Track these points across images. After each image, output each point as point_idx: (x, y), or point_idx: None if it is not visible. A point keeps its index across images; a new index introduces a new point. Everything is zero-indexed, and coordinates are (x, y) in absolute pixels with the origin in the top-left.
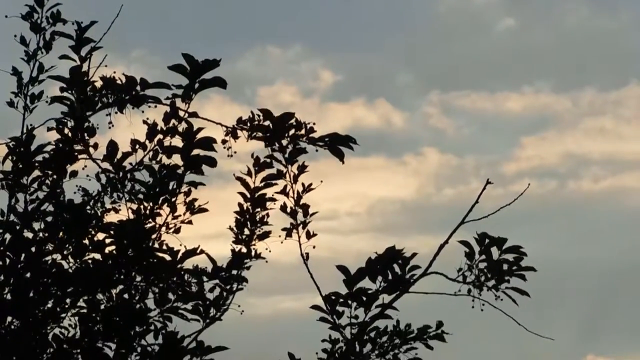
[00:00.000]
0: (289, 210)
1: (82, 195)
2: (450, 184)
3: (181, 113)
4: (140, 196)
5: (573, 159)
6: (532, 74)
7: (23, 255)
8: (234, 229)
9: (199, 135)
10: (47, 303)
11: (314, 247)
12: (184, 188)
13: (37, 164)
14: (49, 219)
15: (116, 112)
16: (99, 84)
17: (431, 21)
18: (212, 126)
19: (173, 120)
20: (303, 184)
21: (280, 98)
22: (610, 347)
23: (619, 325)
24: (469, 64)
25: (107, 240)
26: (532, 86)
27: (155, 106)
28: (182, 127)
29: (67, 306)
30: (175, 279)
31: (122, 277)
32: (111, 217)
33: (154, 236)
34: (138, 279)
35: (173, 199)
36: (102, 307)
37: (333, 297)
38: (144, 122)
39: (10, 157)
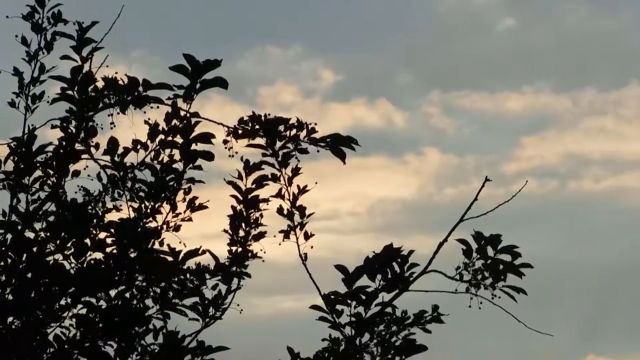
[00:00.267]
0: (285, 212)
1: (83, 195)
2: (451, 184)
3: (182, 113)
4: (142, 194)
5: (573, 159)
6: (533, 73)
7: (24, 255)
8: (229, 231)
9: (197, 130)
10: (48, 303)
11: (311, 247)
12: (184, 185)
13: (38, 164)
14: (51, 219)
15: (118, 113)
16: (100, 84)
17: (431, 21)
18: (213, 126)
19: (175, 121)
20: (298, 186)
21: (281, 98)
22: (611, 347)
23: (619, 326)
24: (470, 64)
25: (108, 240)
26: (532, 86)
27: (157, 106)
28: (182, 125)
29: (68, 306)
30: (176, 279)
31: (123, 277)
32: (112, 216)
33: (154, 235)
34: (139, 278)
35: (173, 197)
36: (103, 307)
37: (332, 297)
38: (146, 122)
39: (11, 158)
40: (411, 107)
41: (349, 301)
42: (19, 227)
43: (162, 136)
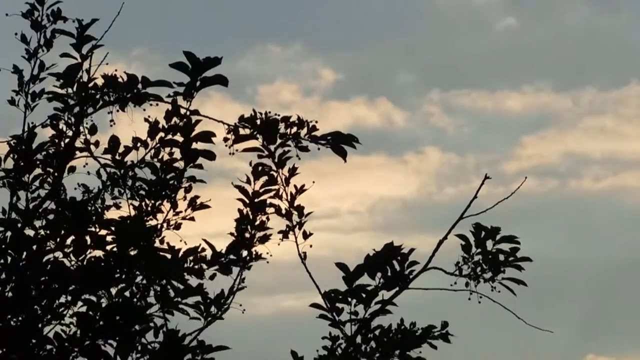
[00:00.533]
0: (283, 212)
1: (82, 192)
2: (451, 183)
3: (183, 111)
4: (142, 192)
5: (573, 158)
6: (533, 73)
7: (24, 253)
8: (234, 232)
9: (198, 129)
10: (48, 301)
11: (310, 246)
12: (185, 183)
13: (38, 162)
14: (51, 216)
15: (118, 110)
16: (100, 81)
17: (432, 20)
18: (213, 124)
19: (175, 118)
20: (295, 186)
21: (280, 96)
22: (611, 346)
23: (620, 324)
24: (470, 63)
25: (109, 238)
26: (532, 85)
27: (157, 104)
28: (183, 123)
29: (68, 304)
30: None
31: (123, 274)
32: (112, 214)
33: (155, 233)
34: (139, 277)
35: (173, 195)
36: (103, 304)
37: (332, 294)
38: (146, 120)
39: (11, 155)
40: (411, 106)
41: (349, 299)
42: (19, 225)
43: (162, 134)
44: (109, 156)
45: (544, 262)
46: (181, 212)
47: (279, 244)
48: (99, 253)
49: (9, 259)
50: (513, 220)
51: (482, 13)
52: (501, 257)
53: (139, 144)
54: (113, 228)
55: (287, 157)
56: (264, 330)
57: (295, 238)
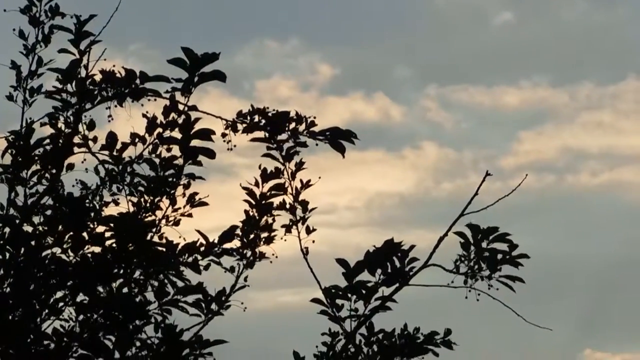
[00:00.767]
0: (288, 206)
1: (80, 189)
2: (448, 178)
3: (180, 107)
4: (141, 189)
5: (571, 153)
6: (530, 68)
7: (23, 249)
8: (239, 233)
9: (197, 126)
10: (46, 296)
11: (313, 241)
12: (183, 180)
13: (36, 158)
14: (49, 212)
15: (116, 106)
16: (98, 77)
17: (429, 15)
18: (211, 120)
19: (173, 114)
20: (301, 181)
21: (278, 92)
22: (608, 342)
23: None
24: (467, 58)
25: (107, 234)
26: (529, 80)
27: (155, 100)
28: (181, 120)
29: (67, 299)
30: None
31: (121, 270)
32: (111, 210)
33: (154, 229)
34: (138, 272)
35: (172, 192)
36: (102, 300)
37: (333, 290)
38: (144, 115)
39: (9, 151)
40: (409, 101)
41: (349, 295)
42: (17, 221)
43: (160, 129)
44: (106, 152)
45: (541, 257)
46: (180, 208)
47: (285, 240)
48: (97, 249)
49: (7, 254)
50: (510, 215)
51: (480, 8)
52: (499, 256)
53: (137, 140)
54: (111, 225)
55: (296, 152)
56: (263, 325)
57: (298, 233)
